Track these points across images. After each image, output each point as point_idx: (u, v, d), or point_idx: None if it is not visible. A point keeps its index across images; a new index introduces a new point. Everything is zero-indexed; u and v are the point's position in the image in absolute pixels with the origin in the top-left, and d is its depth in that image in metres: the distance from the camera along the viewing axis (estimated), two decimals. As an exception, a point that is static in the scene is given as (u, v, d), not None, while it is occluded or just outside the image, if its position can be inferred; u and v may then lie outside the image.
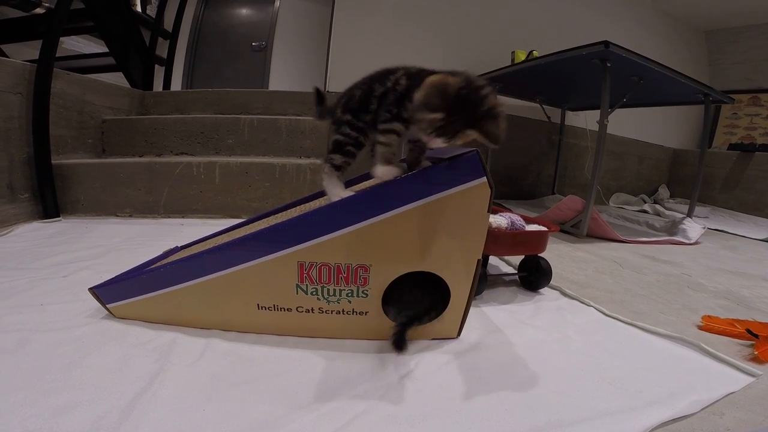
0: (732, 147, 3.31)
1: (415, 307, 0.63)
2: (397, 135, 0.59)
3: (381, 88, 0.60)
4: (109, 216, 1.49)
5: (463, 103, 0.50)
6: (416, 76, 0.57)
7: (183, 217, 1.54)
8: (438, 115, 0.50)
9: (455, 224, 0.61)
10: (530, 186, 3.04)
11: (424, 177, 0.59)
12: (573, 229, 1.70)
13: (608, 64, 1.54)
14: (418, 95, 0.51)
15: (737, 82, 3.58)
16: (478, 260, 0.63)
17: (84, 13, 1.90)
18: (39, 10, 2.45)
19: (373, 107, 0.60)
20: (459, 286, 0.64)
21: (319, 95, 0.70)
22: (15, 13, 2.34)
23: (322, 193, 0.88)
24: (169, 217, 1.53)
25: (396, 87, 0.58)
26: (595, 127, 1.68)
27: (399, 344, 0.58)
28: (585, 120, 2.86)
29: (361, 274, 0.61)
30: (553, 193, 2.96)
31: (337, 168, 0.62)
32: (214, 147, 1.92)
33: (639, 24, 3.28)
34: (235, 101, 2.30)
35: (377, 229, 0.59)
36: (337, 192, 0.61)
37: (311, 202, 0.85)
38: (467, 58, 2.62)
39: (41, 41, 1.37)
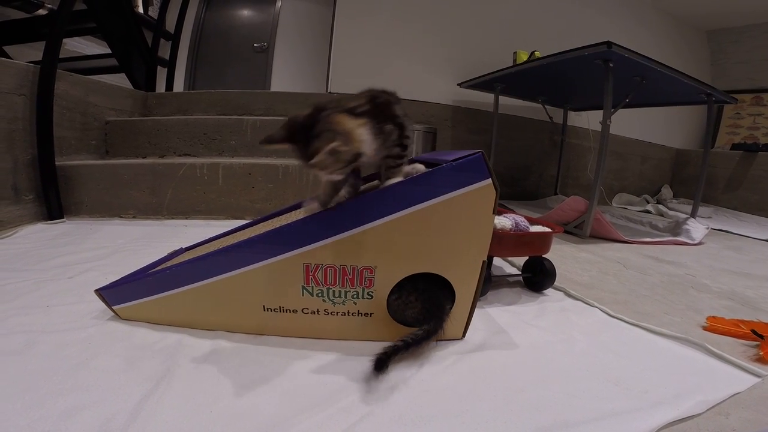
0: (735, 147, 3.30)
1: (416, 321, 0.63)
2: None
3: None
4: (112, 217, 1.49)
5: (303, 130, 0.54)
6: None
7: (187, 219, 1.54)
8: (284, 146, 0.56)
9: (460, 226, 0.61)
10: (533, 186, 3.04)
11: (429, 179, 0.59)
12: (576, 230, 1.70)
13: (611, 65, 1.54)
14: None
15: (740, 82, 3.57)
16: (483, 262, 0.63)
17: (86, 14, 1.91)
18: (41, 12, 2.46)
19: None
20: (464, 287, 0.64)
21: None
22: (17, 15, 2.35)
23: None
24: (173, 218, 1.53)
25: None
26: (598, 128, 1.68)
27: (379, 365, 0.54)
28: (587, 120, 2.86)
29: (366, 275, 0.62)
30: (556, 194, 2.95)
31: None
32: (217, 148, 1.93)
33: (640, 24, 3.28)
34: (238, 102, 2.30)
35: (383, 230, 0.59)
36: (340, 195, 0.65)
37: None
38: (469, 59, 2.62)
39: (44, 42, 1.38)
